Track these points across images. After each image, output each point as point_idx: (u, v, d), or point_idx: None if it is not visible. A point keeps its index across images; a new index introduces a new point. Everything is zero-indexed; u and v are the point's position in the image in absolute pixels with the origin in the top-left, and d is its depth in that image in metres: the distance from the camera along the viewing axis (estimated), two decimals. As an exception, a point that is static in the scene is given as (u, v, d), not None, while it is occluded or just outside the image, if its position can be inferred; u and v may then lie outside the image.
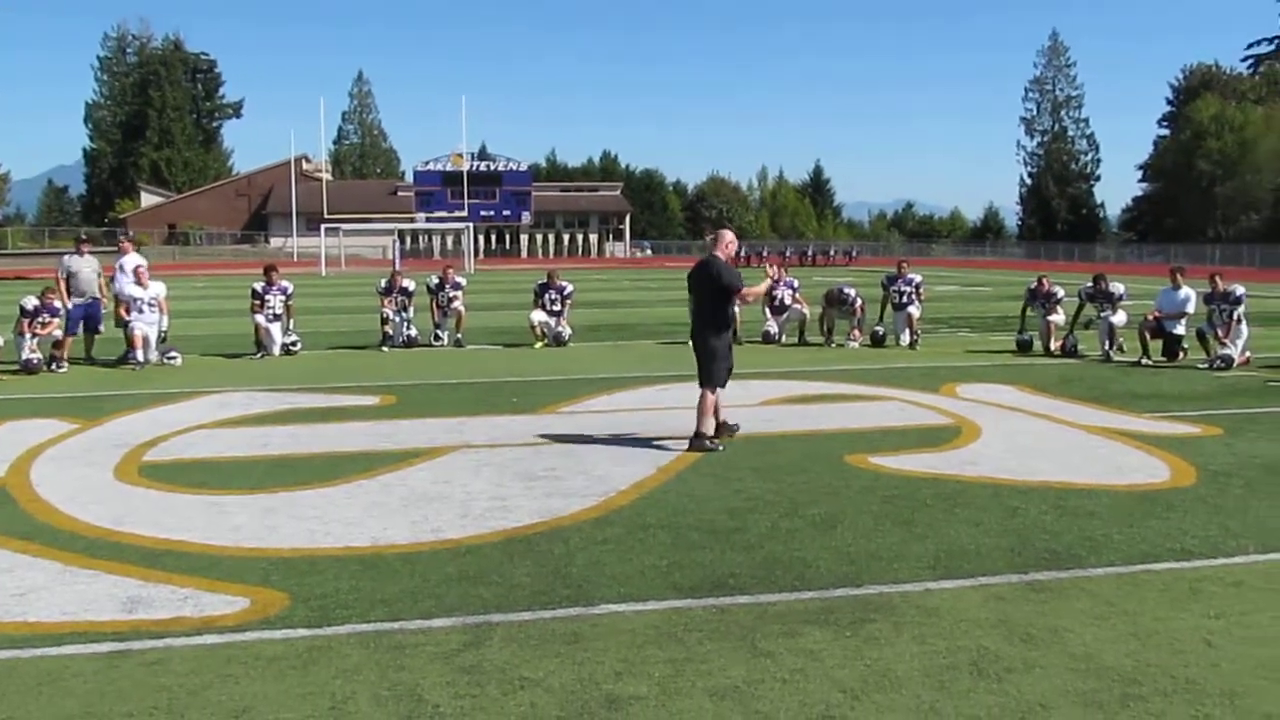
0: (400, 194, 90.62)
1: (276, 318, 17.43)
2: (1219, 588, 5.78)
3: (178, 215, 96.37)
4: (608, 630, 5.15)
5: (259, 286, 17.46)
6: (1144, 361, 15.80)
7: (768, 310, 19.43)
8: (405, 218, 76.37)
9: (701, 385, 9.58)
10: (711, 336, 9.62)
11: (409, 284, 19.11)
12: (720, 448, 9.47)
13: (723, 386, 9.72)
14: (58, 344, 15.55)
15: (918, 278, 19.44)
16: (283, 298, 17.50)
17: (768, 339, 19.02)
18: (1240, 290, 15.78)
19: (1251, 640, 5.01)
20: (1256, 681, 4.54)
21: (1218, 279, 16.07)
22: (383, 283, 19.23)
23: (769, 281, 11.60)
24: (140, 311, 16.08)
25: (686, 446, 9.46)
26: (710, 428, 9.58)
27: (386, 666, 4.72)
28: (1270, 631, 5.12)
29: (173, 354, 16.23)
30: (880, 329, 18.75)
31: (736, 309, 10.18)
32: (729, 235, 10.02)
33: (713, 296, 9.69)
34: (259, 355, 17.07)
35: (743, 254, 75.17)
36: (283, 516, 7.29)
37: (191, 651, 4.91)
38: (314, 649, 4.92)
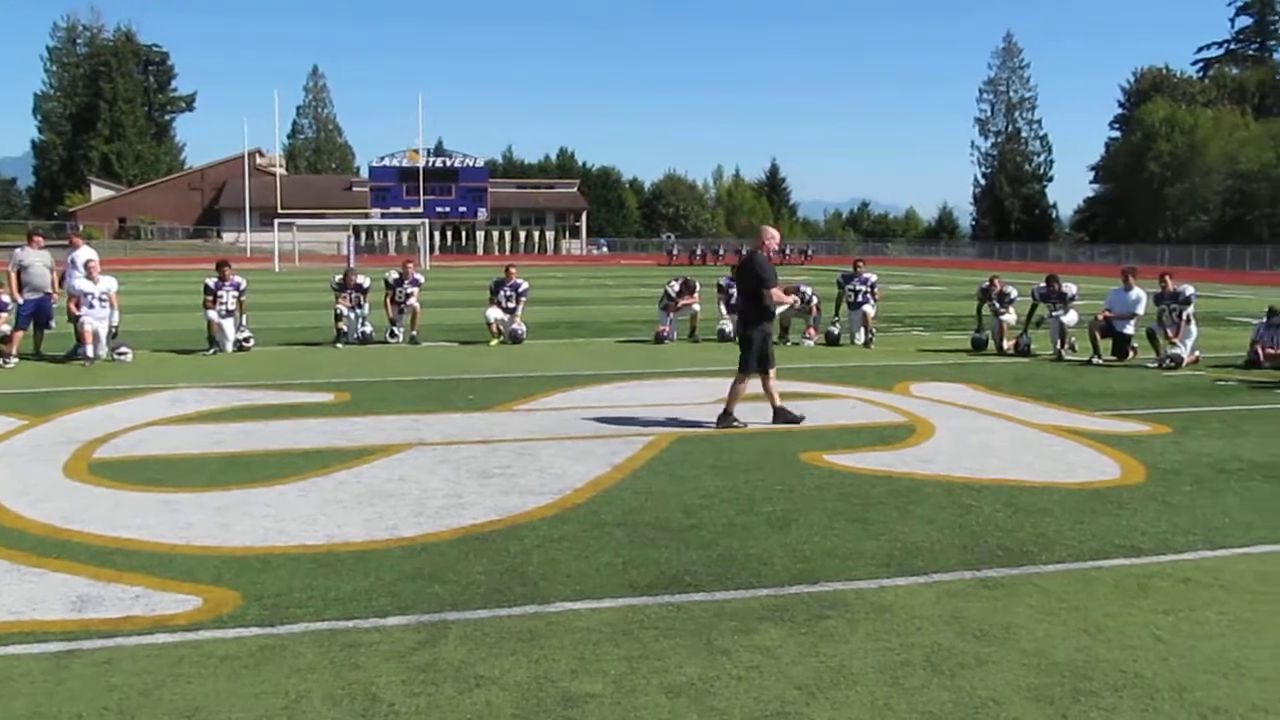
0: (355, 189, 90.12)
1: (229, 313, 17.28)
2: (1168, 584, 5.85)
3: (129, 209, 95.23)
4: (564, 628, 5.14)
5: (211, 282, 17.28)
6: (1095, 360, 15.98)
7: (724, 308, 19.48)
8: (360, 213, 75.95)
9: (738, 370, 10.57)
10: (749, 327, 10.55)
11: (364, 280, 18.98)
12: (745, 424, 10.41)
13: (753, 373, 10.51)
14: (6, 339, 15.33)
15: (873, 277, 19.55)
16: (235, 293, 17.35)
17: (723, 337, 19.04)
18: (1190, 290, 15.99)
19: (1199, 635, 5.08)
20: (1205, 676, 4.60)
21: (1167, 279, 16.28)
22: (337, 279, 19.10)
23: (795, 298, 11.96)
24: (91, 306, 15.87)
25: (715, 423, 10.40)
26: (735, 409, 10.50)
27: (341, 665, 4.69)
28: (1217, 627, 5.20)
29: (123, 350, 16.05)
30: (835, 328, 18.86)
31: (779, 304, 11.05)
32: (769, 231, 10.88)
33: (748, 290, 10.62)
34: (211, 351, 16.91)
35: (699, 251, 75.59)
36: (235, 514, 7.22)
37: (142, 651, 4.85)
38: (267, 648, 4.88)
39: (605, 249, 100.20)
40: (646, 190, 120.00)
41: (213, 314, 17.07)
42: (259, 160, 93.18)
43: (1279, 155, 79.39)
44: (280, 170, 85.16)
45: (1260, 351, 15.78)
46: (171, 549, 6.44)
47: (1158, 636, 5.06)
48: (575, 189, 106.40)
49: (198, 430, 10.40)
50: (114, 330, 16.35)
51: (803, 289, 18.92)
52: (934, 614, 5.36)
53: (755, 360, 10.48)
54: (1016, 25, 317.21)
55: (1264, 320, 16.35)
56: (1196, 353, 15.94)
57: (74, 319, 15.89)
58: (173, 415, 11.21)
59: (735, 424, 10.42)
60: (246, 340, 17.43)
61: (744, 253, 10.67)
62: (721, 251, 75.54)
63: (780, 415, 10.66)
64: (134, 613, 5.34)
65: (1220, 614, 5.38)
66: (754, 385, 10.64)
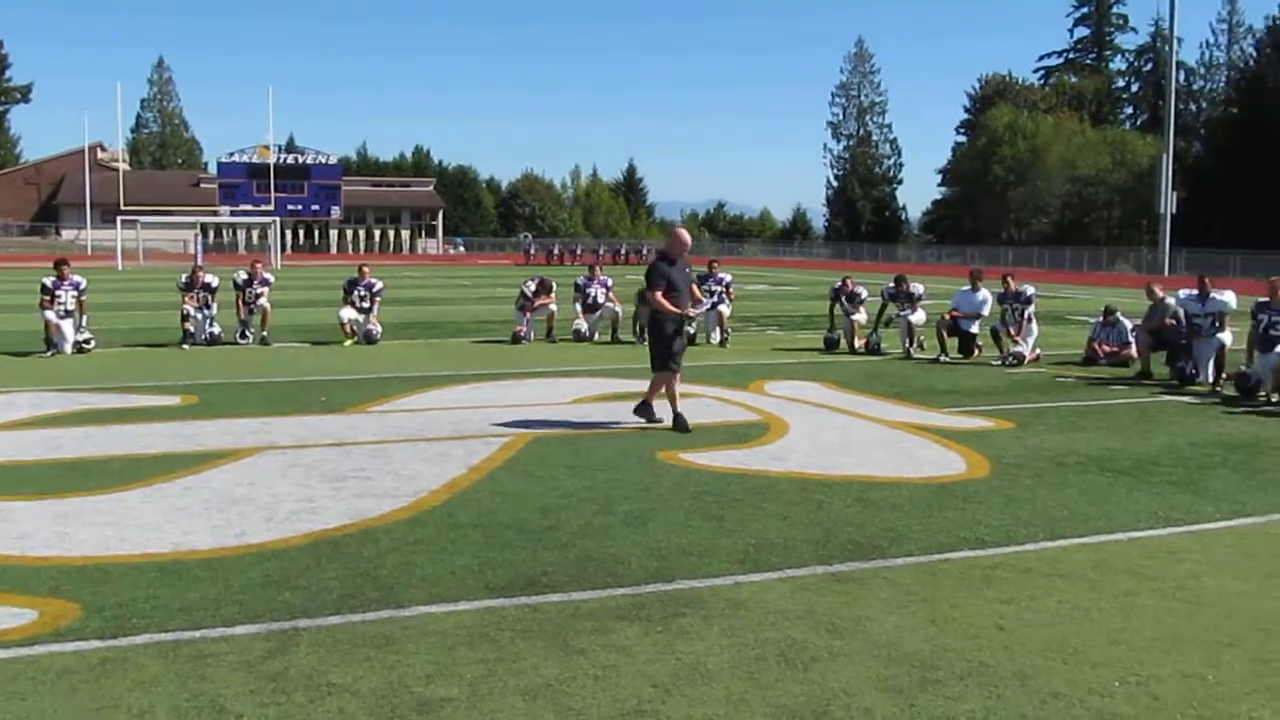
0: (203, 186, 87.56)
1: (68, 314, 16.66)
2: (1010, 574, 6.04)
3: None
4: (419, 632, 5.08)
5: (49, 281, 16.64)
6: (942, 359, 16.43)
7: (579, 307, 19.51)
8: (209, 211, 73.95)
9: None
10: (650, 326, 10.72)
11: (212, 279, 18.49)
12: (658, 420, 10.48)
13: (663, 371, 10.43)
14: None
15: (728, 277, 19.80)
16: (75, 293, 16.75)
17: (580, 337, 19.07)
18: (1031, 290, 16.55)
19: (1040, 623, 5.26)
20: (1045, 662, 4.76)
21: (1009, 279, 16.82)
22: (184, 278, 18.57)
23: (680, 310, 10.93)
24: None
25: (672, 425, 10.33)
26: (677, 407, 10.47)
27: (187, 676, 4.55)
28: (1057, 615, 5.39)
29: (-46, 352, 15.36)
30: (691, 327, 18.99)
31: (699, 305, 11.25)
32: (674, 233, 10.72)
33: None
34: (49, 353, 16.27)
35: (556, 251, 75.48)
36: (75, 523, 6.95)
37: (-27, 667, 4.64)
38: (108, 661, 4.71)
39: (462, 248, 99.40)
40: (503, 190, 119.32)
41: (50, 314, 16.43)
42: (100, 155, 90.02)
43: (1115, 161, 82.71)
44: (123, 165, 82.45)
45: (1098, 349, 16.42)
46: (5, 560, 6.16)
47: (1000, 626, 5.22)
48: (431, 188, 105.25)
49: (34, 435, 9.99)
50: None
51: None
52: (787, 609, 5.44)
53: (660, 358, 10.41)
54: (867, 27, 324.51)
55: (1100, 319, 17.02)
56: (1037, 351, 16.50)
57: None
58: (7, 420, 10.75)
59: (649, 416, 10.57)
60: (87, 342, 16.84)
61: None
62: (579, 251, 75.53)
63: (644, 410, 10.66)
64: (-36, 627, 5.10)
65: (1059, 602, 5.58)
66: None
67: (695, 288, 10.91)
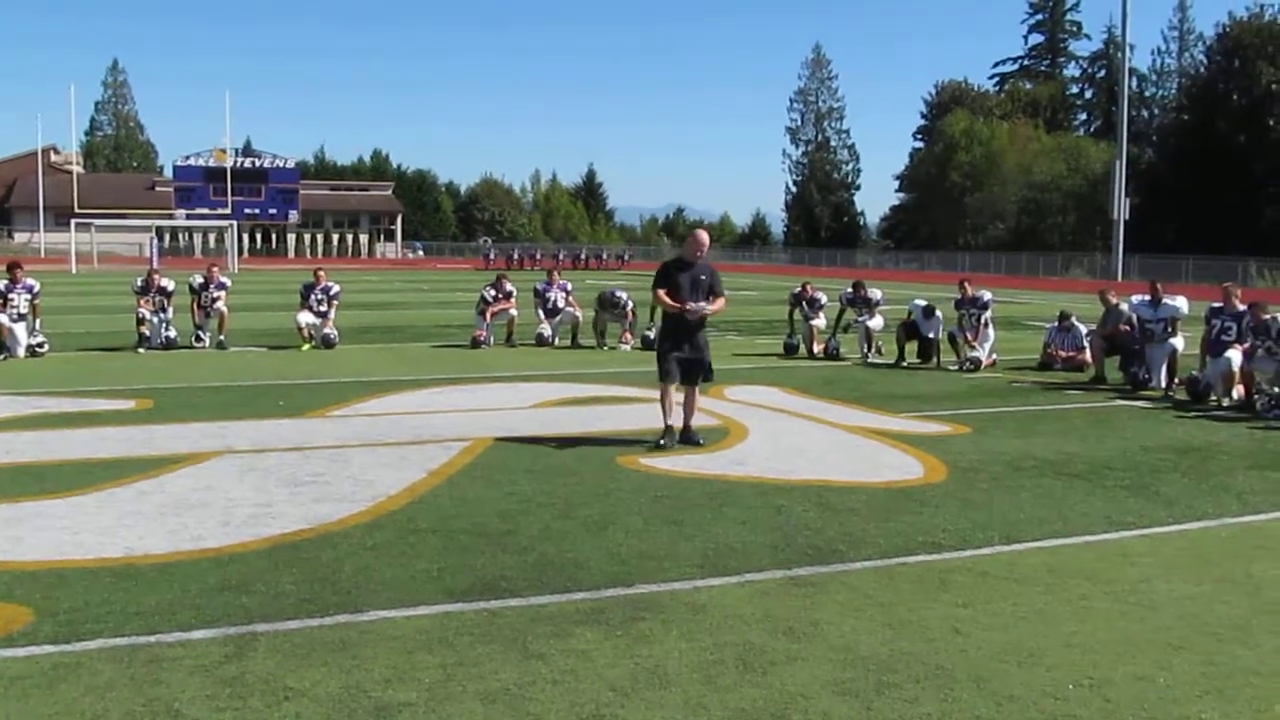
0: (159, 189, 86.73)
1: (21, 317, 16.47)
2: (966, 578, 6.09)
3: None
4: (377, 637, 5.06)
5: (2, 284, 16.44)
6: (900, 364, 16.54)
7: (541, 312, 19.49)
8: (164, 214, 73.23)
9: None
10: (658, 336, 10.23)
11: (168, 283, 18.33)
12: (660, 443, 9.76)
13: (663, 381, 9.89)
14: None
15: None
16: (28, 296, 16.57)
17: (541, 341, 19.05)
18: (987, 296, 16.71)
19: (996, 627, 5.31)
20: (1001, 665, 4.81)
21: (966, 285, 16.95)
22: (139, 281, 18.41)
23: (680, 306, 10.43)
24: None
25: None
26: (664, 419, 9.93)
27: (141, 682, 4.51)
28: (1012, 618, 5.44)
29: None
30: (651, 332, 19.01)
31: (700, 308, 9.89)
32: (689, 236, 10.18)
33: None
34: (2, 357, 16.07)
35: (515, 256, 75.31)
36: (27, 528, 6.87)
37: (-77, 674, 4.58)
38: (61, 666, 4.66)
39: (421, 253, 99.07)
40: (463, 194, 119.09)
41: (3, 318, 16.23)
42: (54, 158, 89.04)
43: (1069, 167, 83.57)
44: (77, 168, 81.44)
45: (1053, 354, 16.59)
46: (-44, 566, 6.09)
47: (957, 629, 5.26)
48: (390, 192, 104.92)
49: (-14, 440, 9.87)
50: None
51: (618, 294, 19.07)
52: (746, 613, 5.46)
53: (663, 366, 9.87)
54: (825, 33, 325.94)
55: (1055, 324, 17.20)
56: (994, 355, 16.65)
57: None
58: (-42, 425, 10.61)
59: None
60: (40, 345, 16.64)
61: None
62: (539, 256, 75.47)
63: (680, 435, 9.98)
64: (-86, 634, 5.03)
65: (1015, 606, 5.63)
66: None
67: (716, 293, 10.00)
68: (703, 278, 9.92)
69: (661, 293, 9.93)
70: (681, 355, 9.87)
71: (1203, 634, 5.25)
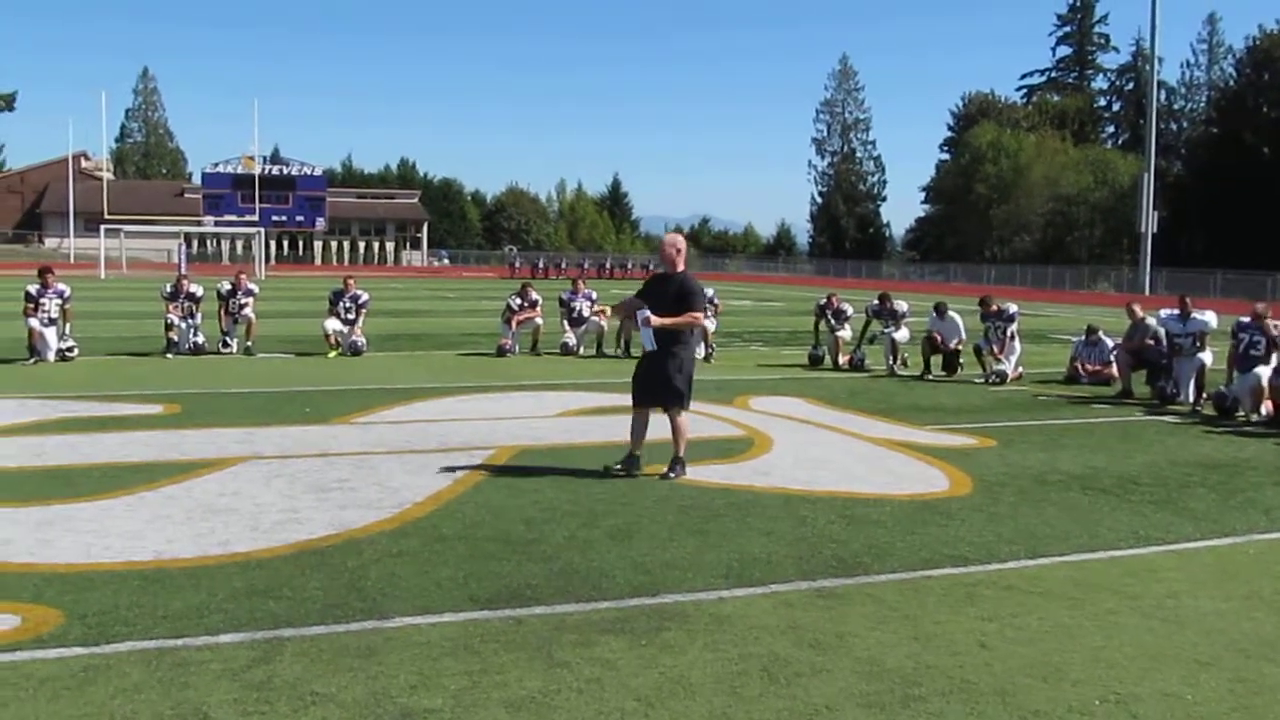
0: (187, 196, 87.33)
1: (52, 322, 16.62)
2: (992, 592, 6.07)
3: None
4: (402, 643, 5.08)
5: (33, 289, 16.60)
6: (926, 376, 16.50)
7: (566, 323, 19.52)
8: (192, 221, 73.67)
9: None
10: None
11: (196, 289, 18.47)
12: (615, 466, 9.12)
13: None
14: None
15: (712, 292, 19.80)
16: (59, 301, 16.72)
17: (566, 350, 19.08)
18: (1014, 308, 16.64)
19: (1021, 641, 5.29)
20: (1026, 680, 4.79)
21: (988, 300, 16.86)
22: (168, 287, 18.57)
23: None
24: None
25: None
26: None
27: (170, 685, 4.54)
28: (1038, 632, 5.42)
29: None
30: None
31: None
32: (660, 244, 9.65)
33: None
34: (32, 361, 16.21)
35: (541, 265, 75.47)
36: (58, 530, 6.94)
37: (-45, 674, 4.62)
38: (91, 668, 4.70)
39: (447, 261, 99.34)
40: (489, 202, 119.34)
41: (34, 322, 16.38)
42: (85, 164, 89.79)
43: (1096, 180, 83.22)
44: (107, 174, 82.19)
45: (1080, 367, 16.51)
46: (-13, 567, 6.15)
47: (982, 643, 5.25)
48: (416, 200, 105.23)
49: (17, 443, 9.95)
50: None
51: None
52: (771, 624, 5.45)
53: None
54: (852, 44, 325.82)
55: (1083, 338, 17.11)
56: (1020, 369, 16.58)
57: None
58: (-11, 428, 10.71)
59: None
60: (70, 350, 16.79)
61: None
62: (564, 265, 75.58)
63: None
64: (-54, 635, 5.08)
65: (1040, 620, 5.61)
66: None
67: (685, 307, 9.11)
68: (669, 290, 9.13)
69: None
70: (637, 375, 9.31)
71: (1230, 650, 5.22)
